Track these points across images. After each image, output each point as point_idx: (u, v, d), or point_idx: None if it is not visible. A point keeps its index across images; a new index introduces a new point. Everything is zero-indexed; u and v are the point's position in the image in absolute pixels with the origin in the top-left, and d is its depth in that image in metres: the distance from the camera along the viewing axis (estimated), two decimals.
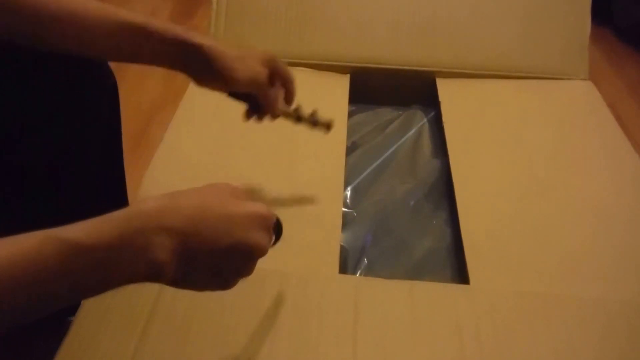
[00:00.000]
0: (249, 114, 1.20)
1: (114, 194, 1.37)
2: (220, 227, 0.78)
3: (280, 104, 1.17)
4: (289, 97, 1.20)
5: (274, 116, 1.19)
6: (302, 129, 1.22)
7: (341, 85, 1.59)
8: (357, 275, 1.20)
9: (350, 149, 1.47)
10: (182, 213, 0.76)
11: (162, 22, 1.03)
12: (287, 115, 1.20)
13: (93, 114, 1.23)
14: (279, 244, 0.91)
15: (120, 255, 0.70)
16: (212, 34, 1.64)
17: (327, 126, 1.23)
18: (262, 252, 0.82)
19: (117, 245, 0.69)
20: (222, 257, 0.79)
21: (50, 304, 0.68)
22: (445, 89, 1.59)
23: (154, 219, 0.73)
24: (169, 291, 0.98)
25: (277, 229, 0.90)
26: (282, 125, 1.26)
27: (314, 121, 1.22)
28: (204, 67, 1.08)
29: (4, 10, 0.95)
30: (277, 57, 1.16)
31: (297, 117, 1.21)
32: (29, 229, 0.71)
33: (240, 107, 1.18)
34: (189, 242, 0.75)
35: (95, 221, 0.70)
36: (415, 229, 1.30)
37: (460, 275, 1.17)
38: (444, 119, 1.49)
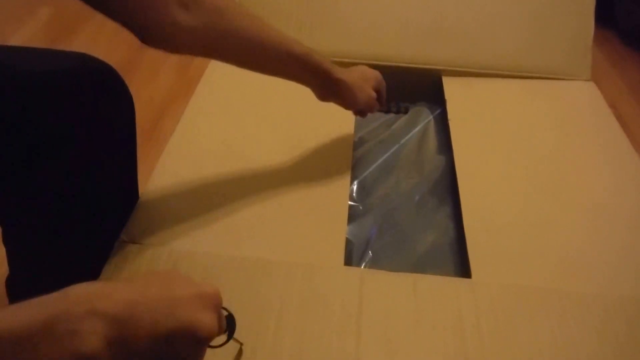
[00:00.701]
0: (355, 113, 1.41)
1: (126, 203, 1.38)
2: (161, 311, 0.70)
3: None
4: (382, 102, 1.41)
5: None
6: (311, 127, 1.24)
7: None
8: (362, 267, 1.21)
9: (357, 144, 1.49)
10: (117, 297, 0.67)
11: (316, 55, 1.24)
12: (379, 110, 1.52)
13: (110, 129, 1.24)
14: (230, 341, 0.86)
15: (38, 346, 0.61)
16: None
17: (406, 110, 1.61)
18: (209, 333, 0.73)
19: (34, 334, 0.61)
20: (165, 343, 0.70)
21: None
22: (451, 87, 1.61)
23: (82, 304, 0.64)
24: None
25: (229, 324, 0.85)
26: (293, 121, 1.27)
27: (396, 110, 1.58)
28: (334, 94, 1.30)
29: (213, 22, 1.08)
30: (382, 78, 1.41)
31: (386, 111, 1.57)
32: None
33: (251, 98, 1.20)
34: (125, 329, 0.66)
35: (14, 307, 0.62)
36: (420, 223, 1.32)
37: (463, 269, 1.19)
38: (449, 116, 1.51)
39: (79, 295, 0.65)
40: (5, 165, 1.11)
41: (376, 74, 1.40)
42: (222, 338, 0.83)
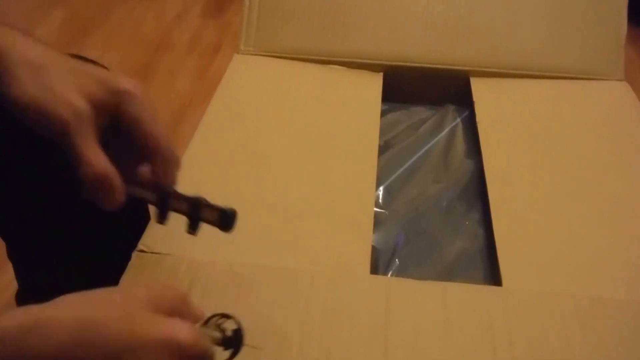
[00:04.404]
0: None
1: (136, 210, 1.36)
2: (111, 356, 0.55)
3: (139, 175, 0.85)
4: (160, 170, 0.85)
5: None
6: (335, 132, 1.22)
7: (374, 83, 1.58)
8: (389, 275, 1.19)
9: (382, 148, 1.46)
10: (58, 332, 0.55)
11: None
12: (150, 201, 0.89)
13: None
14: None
15: None
16: (244, 31, 1.64)
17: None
18: None
19: None
20: None
21: None
22: (480, 88, 1.58)
23: (14, 342, 0.53)
24: (197, 292, 0.99)
25: (236, 340, 0.77)
26: (316, 126, 1.25)
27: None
28: None
29: None
30: (133, 89, 0.79)
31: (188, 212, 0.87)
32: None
33: (272, 103, 1.18)
34: None
35: None
36: (448, 230, 1.30)
37: (493, 276, 1.17)
38: (477, 118, 1.48)
39: (12, 329, 0.54)
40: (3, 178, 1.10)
41: (115, 76, 0.80)
42: (225, 354, 0.76)
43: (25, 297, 1.40)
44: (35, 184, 1.17)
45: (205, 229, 0.96)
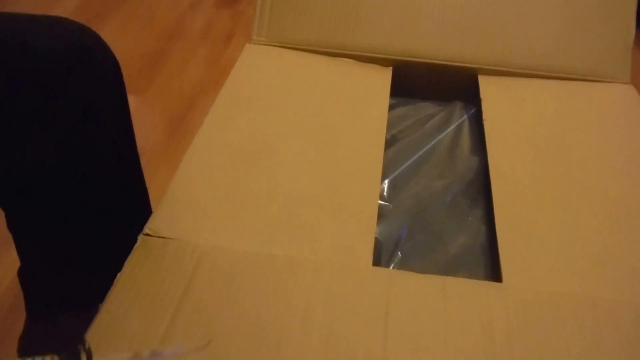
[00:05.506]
0: None
1: (133, 198, 1.36)
2: None
3: None
4: None
5: None
6: (343, 124, 1.22)
7: (383, 77, 1.58)
8: (391, 268, 1.20)
9: (389, 142, 1.46)
10: None
11: None
12: None
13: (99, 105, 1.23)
14: None
15: None
16: (257, 21, 1.65)
17: None
18: None
19: None
20: None
21: None
22: (487, 86, 1.58)
23: None
24: (201, 278, 1.00)
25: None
26: (324, 118, 1.26)
27: None
28: None
29: None
30: None
31: None
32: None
33: (282, 93, 1.18)
34: None
35: None
36: (451, 225, 1.30)
37: (494, 273, 1.17)
38: (484, 116, 1.48)
39: None
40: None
41: None
42: None
43: (28, 273, 1.39)
44: (42, 154, 1.17)
45: (214, 216, 0.97)
